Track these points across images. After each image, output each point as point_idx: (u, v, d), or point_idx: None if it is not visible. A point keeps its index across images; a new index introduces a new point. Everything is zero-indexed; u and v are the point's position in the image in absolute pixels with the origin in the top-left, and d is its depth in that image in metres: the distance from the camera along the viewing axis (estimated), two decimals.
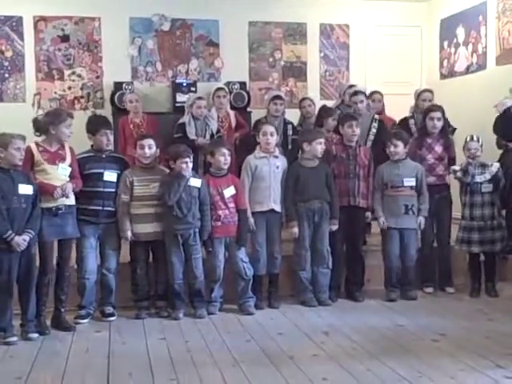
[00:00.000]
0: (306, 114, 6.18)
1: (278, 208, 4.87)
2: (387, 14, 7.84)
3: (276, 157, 4.92)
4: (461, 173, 5.03)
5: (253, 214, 4.82)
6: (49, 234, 4.21)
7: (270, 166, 4.86)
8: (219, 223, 4.69)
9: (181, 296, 4.64)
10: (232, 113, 6.25)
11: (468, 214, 5.06)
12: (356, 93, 5.63)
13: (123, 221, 4.57)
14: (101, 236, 4.59)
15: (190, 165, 4.64)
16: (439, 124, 5.23)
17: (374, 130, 5.49)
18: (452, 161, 5.29)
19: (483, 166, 5.07)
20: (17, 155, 4.01)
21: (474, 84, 7.02)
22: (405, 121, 5.81)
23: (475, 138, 5.08)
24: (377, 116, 5.64)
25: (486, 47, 6.89)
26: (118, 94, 6.71)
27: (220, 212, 4.70)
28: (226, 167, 4.79)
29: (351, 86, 6.13)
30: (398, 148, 5.04)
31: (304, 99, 6.39)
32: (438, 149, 5.25)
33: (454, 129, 5.67)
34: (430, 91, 5.90)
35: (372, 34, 7.88)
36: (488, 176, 5.02)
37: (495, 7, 6.70)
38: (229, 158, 4.78)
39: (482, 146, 5.08)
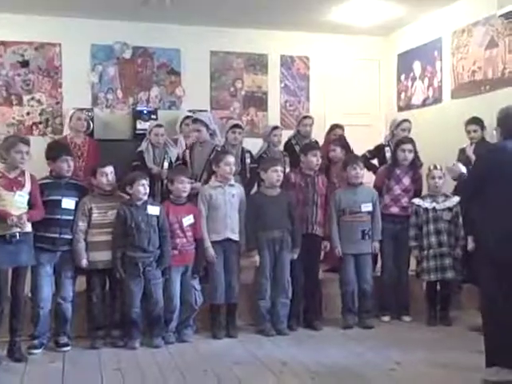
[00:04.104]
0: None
1: (235, 237, 4.87)
2: (346, 47, 8.00)
3: (232, 185, 4.94)
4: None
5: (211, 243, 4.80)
6: (2, 261, 4.11)
7: (225, 195, 4.87)
8: (176, 252, 4.68)
9: (137, 324, 4.57)
10: None
11: (435, 241, 5.11)
12: (195, 120, 5.52)
13: (79, 248, 4.51)
14: (57, 264, 4.51)
15: (147, 188, 4.63)
16: (410, 156, 5.34)
17: None
18: (419, 193, 5.38)
19: (446, 196, 5.20)
20: None
21: (431, 116, 7.19)
22: (380, 148, 5.92)
23: (438, 167, 5.20)
24: (218, 146, 5.45)
25: (441, 81, 7.08)
26: None
27: (177, 240, 4.68)
28: (184, 195, 4.78)
29: (306, 117, 6.23)
30: (362, 171, 5.16)
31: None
32: (406, 181, 5.34)
33: (421, 164, 5.68)
34: (409, 121, 5.97)
35: (331, 67, 8.03)
36: (448, 204, 5.13)
37: (450, 43, 6.91)
38: (188, 186, 4.78)
39: (444, 174, 5.20)
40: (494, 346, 3.70)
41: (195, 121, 5.51)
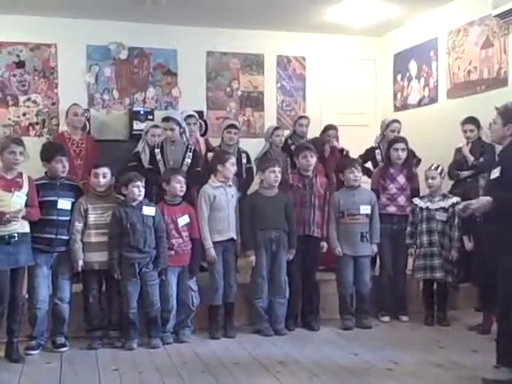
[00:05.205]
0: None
1: (236, 236, 4.87)
2: (343, 47, 8.02)
3: (230, 186, 4.95)
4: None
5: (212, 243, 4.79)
6: (2, 262, 4.09)
7: (226, 195, 4.87)
8: (172, 252, 4.67)
9: (135, 325, 4.56)
10: (202, 140, 6.16)
11: (426, 240, 5.12)
12: (167, 119, 5.29)
13: (76, 249, 4.49)
14: (53, 265, 4.50)
15: (142, 190, 4.62)
16: (403, 155, 5.35)
17: (188, 160, 5.24)
18: (415, 191, 5.38)
19: (444, 196, 5.20)
20: None
21: (427, 116, 7.22)
22: (371, 150, 5.93)
23: (433, 167, 5.21)
24: (191, 145, 5.41)
25: (437, 81, 7.10)
26: None
27: (173, 241, 4.68)
28: (181, 194, 4.78)
29: (301, 118, 6.22)
30: (359, 174, 5.17)
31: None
32: (401, 179, 5.35)
33: (419, 160, 5.79)
34: (399, 122, 5.99)
35: (328, 67, 8.04)
36: (443, 204, 5.13)
37: (445, 43, 6.93)
38: (185, 186, 4.77)
39: (441, 174, 5.22)
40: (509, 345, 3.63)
41: (168, 119, 5.32)
